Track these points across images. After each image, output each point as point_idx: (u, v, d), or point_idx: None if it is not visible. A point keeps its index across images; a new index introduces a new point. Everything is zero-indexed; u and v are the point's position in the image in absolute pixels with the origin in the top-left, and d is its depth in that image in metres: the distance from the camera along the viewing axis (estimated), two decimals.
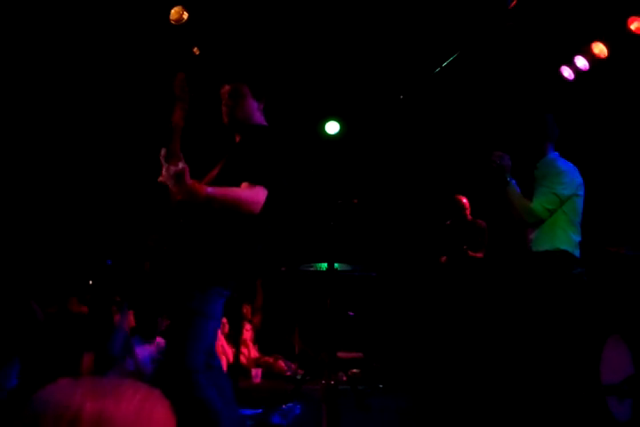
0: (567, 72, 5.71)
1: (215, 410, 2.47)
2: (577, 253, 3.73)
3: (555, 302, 3.66)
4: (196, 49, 5.70)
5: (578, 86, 5.72)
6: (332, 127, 7.14)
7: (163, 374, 2.56)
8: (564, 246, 3.67)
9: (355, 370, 5.77)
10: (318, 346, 5.55)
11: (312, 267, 5.06)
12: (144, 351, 4.58)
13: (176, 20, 5.37)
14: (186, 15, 5.37)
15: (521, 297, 4.33)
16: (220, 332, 5.25)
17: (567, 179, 3.70)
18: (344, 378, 4.96)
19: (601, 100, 5.75)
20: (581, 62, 5.59)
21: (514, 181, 3.78)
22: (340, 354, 5.26)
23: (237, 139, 2.92)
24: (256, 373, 5.52)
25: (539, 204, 3.64)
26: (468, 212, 6.01)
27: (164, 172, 2.52)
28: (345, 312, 5.87)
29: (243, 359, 5.69)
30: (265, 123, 2.95)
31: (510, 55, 5.67)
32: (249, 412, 4.10)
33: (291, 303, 6.48)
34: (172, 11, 5.38)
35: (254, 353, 6.20)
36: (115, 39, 5.66)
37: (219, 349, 5.20)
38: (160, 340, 4.61)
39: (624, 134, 5.67)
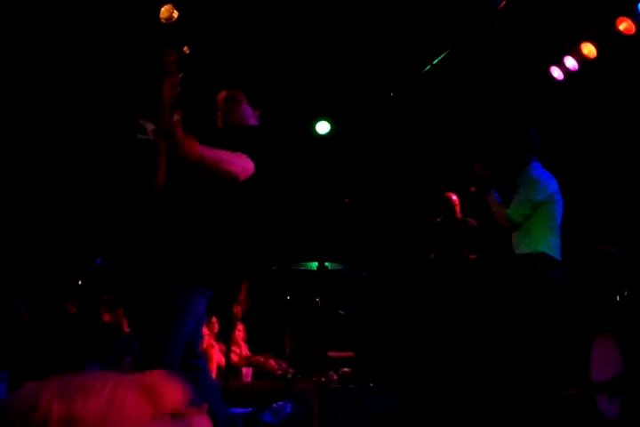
0: (557, 72, 5.75)
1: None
2: (556, 254, 3.99)
3: (530, 302, 3.91)
4: (186, 48, 5.68)
5: (567, 87, 5.75)
6: (323, 127, 7.15)
7: (138, 370, 2.55)
8: (541, 249, 3.95)
9: (345, 369, 5.77)
10: (309, 345, 5.56)
11: (303, 266, 5.05)
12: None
13: (166, 19, 5.35)
14: (176, 14, 5.35)
15: (502, 298, 4.53)
16: (208, 331, 5.24)
17: (540, 186, 4.02)
18: (335, 377, 4.96)
19: (590, 100, 5.78)
20: (570, 62, 5.62)
21: (493, 191, 4.17)
22: (331, 353, 5.25)
23: None
24: (247, 372, 5.51)
25: (513, 209, 4.01)
26: (457, 209, 6.01)
27: (149, 128, 2.51)
28: (335, 311, 5.87)
29: (234, 358, 5.68)
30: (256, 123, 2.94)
31: (500, 55, 5.69)
32: (239, 411, 4.09)
33: (281, 302, 6.48)
34: (162, 9, 5.35)
35: (245, 352, 6.20)
36: (105, 38, 5.64)
37: (209, 348, 5.20)
38: None
39: (614, 134, 5.71)
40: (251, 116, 2.91)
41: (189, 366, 2.62)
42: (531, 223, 4.02)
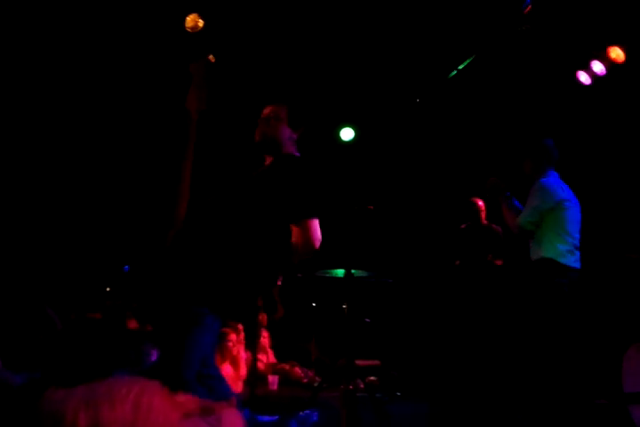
0: (584, 77, 5.68)
1: None
2: (568, 261, 4.10)
3: (534, 308, 4.08)
4: (211, 57, 5.73)
5: (595, 91, 5.68)
6: (347, 134, 7.14)
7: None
8: (548, 255, 4.08)
9: (372, 378, 5.72)
10: (335, 353, 5.53)
11: (328, 273, 5.03)
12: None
13: (192, 28, 5.40)
14: (201, 23, 5.40)
15: (515, 305, 4.63)
16: (235, 338, 5.24)
17: (546, 194, 4.15)
18: (361, 386, 4.93)
19: (618, 105, 5.71)
20: (598, 67, 5.56)
21: (514, 199, 4.37)
22: (358, 361, 5.22)
23: (268, 161, 2.88)
24: (273, 380, 5.49)
25: (522, 217, 4.16)
26: (483, 215, 5.96)
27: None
28: (362, 319, 5.83)
29: (260, 366, 5.67)
30: (297, 153, 2.91)
31: (526, 60, 5.64)
32: (266, 418, 4.08)
33: (307, 310, 6.46)
34: (188, 18, 5.41)
35: (271, 359, 6.19)
36: (131, 47, 5.71)
37: (238, 356, 5.20)
38: None
39: None
40: (288, 138, 2.88)
41: (204, 376, 2.62)
42: (541, 230, 4.14)
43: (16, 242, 5.95)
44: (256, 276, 2.63)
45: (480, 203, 6.00)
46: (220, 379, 2.77)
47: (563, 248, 4.10)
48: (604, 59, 5.47)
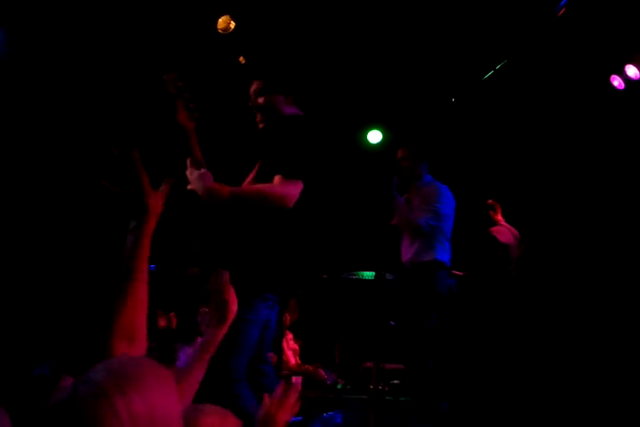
0: (617, 81, 5.60)
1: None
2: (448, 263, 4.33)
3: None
4: (241, 58, 5.77)
5: (628, 96, 5.60)
6: (375, 136, 7.11)
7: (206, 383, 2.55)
8: (442, 258, 4.24)
9: (395, 381, 5.69)
10: (359, 356, 5.51)
11: (354, 275, 5.02)
12: (185, 356, 4.59)
13: (223, 29, 5.44)
14: (233, 24, 5.44)
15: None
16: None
17: (447, 199, 4.30)
18: (386, 389, 4.91)
19: None
20: (632, 71, 5.48)
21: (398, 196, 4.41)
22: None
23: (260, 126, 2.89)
24: (296, 380, 5.49)
25: (423, 219, 4.18)
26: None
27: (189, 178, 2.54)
28: (387, 322, 5.81)
29: (284, 367, 5.68)
30: (299, 113, 2.88)
31: (559, 63, 5.58)
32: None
33: (331, 312, 6.45)
34: (220, 20, 5.45)
35: (294, 360, 6.19)
36: (163, 48, 5.75)
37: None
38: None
39: None
40: (283, 102, 2.85)
41: (256, 371, 2.61)
42: (434, 233, 4.34)
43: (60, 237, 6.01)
44: (279, 247, 2.63)
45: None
46: (272, 378, 2.76)
47: (449, 252, 4.37)
48: (639, 63, 5.39)
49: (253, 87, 2.89)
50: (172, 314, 4.88)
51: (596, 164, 5.95)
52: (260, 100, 2.85)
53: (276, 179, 2.53)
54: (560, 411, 4.31)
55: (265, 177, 2.63)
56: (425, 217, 4.14)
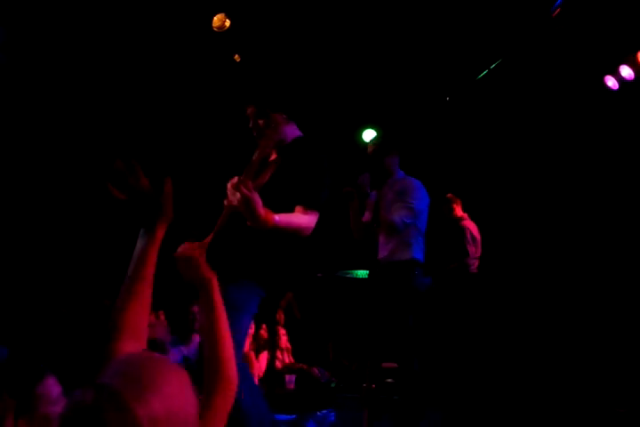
0: (611, 82, 5.62)
1: (246, 413, 2.46)
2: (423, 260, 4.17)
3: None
4: (237, 56, 5.76)
5: (622, 96, 5.62)
6: (369, 135, 7.10)
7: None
8: (418, 256, 4.09)
9: (389, 380, 5.70)
10: (353, 354, 5.52)
11: (348, 274, 5.03)
12: (175, 355, 4.58)
13: (218, 28, 5.43)
14: (228, 23, 5.43)
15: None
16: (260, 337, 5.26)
17: (421, 194, 4.15)
18: (379, 387, 4.91)
19: None
20: (626, 72, 5.50)
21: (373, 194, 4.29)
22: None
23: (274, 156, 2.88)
24: (290, 378, 5.50)
25: (398, 217, 4.00)
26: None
27: (230, 196, 2.52)
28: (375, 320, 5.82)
29: (278, 365, 5.68)
30: (299, 133, 2.92)
31: (553, 64, 5.60)
32: (283, 417, 4.09)
33: (325, 311, 6.46)
34: (215, 18, 5.45)
35: (288, 359, 6.20)
36: (157, 46, 5.74)
37: (260, 355, 5.22)
38: (197, 337, 4.61)
39: None
40: (282, 123, 2.86)
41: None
42: (410, 231, 4.19)
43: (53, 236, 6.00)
44: (279, 241, 2.67)
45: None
46: (248, 372, 2.78)
47: (424, 250, 4.25)
48: (633, 63, 5.42)
49: (249, 110, 2.90)
50: (160, 312, 4.88)
51: (590, 163, 5.97)
52: (261, 122, 2.86)
53: (301, 210, 2.63)
54: (547, 410, 4.33)
55: (280, 201, 2.64)
56: (399, 214, 4.06)
